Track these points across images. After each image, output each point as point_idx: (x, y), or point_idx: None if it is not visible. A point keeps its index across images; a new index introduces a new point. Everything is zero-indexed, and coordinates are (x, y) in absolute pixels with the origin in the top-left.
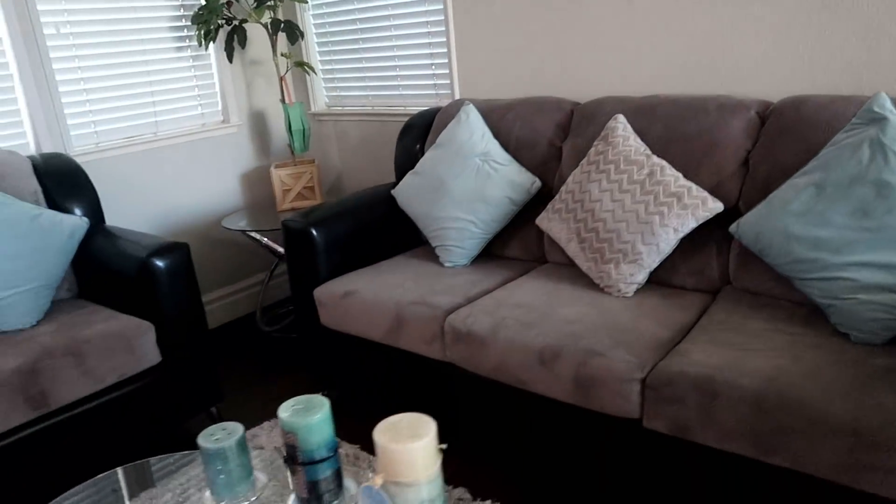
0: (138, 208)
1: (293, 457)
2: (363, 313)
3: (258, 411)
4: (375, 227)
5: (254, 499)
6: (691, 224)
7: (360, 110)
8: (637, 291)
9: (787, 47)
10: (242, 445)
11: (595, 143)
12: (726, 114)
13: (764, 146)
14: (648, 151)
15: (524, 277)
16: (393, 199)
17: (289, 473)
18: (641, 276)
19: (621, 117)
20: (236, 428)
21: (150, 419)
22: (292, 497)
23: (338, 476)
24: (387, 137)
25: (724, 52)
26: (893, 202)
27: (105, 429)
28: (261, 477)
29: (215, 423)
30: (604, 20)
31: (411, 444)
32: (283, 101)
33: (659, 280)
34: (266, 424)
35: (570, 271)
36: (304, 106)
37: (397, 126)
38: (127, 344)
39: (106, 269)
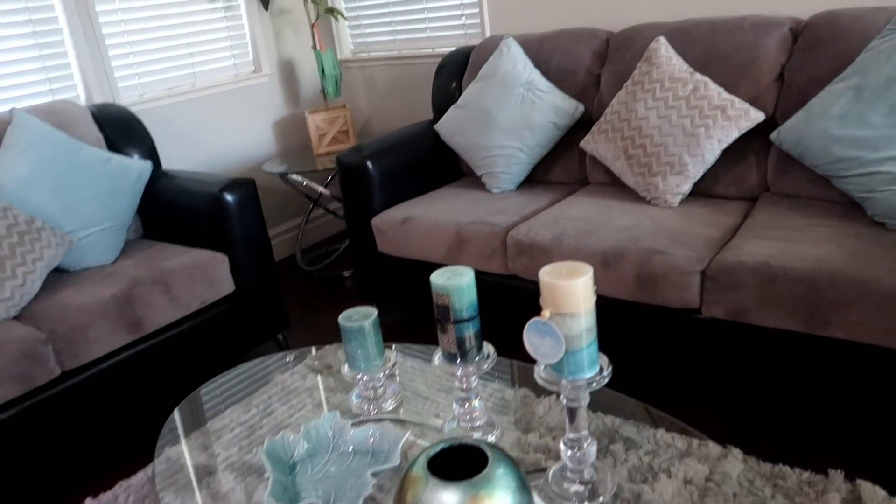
0: (180, 157)
1: (445, 316)
2: (423, 236)
3: (319, 337)
4: (418, 161)
5: (387, 371)
6: (734, 134)
7: (386, 55)
8: (681, 202)
9: None
10: (377, 326)
11: (638, 65)
12: (761, 31)
13: (798, 60)
14: (691, 69)
15: (571, 197)
16: (432, 135)
17: (438, 332)
18: (687, 187)
19: (663, 39)
20: (370, 311)
21: (227, 343)
22: (438, 353)
23: (478, 337)
24: (415, 80)
25: None
26: None
27: (189, 352)
28: (391, 354)
29: (282, 349)
30: None
31: (575, 279)
32: (314, 48)
33: (701, 192)
34: (329, 348)
35: (614, 189)
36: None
37: (425, 68)
38: (206, 273)
39: (173, 208)
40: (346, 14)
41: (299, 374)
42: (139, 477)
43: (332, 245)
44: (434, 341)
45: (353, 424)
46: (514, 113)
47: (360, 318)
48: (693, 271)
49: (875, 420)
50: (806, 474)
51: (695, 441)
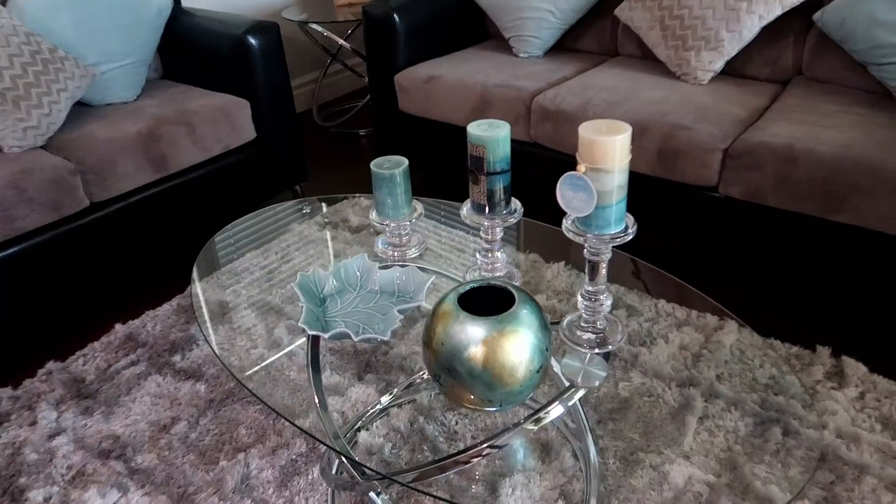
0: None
1: (478, 167)
2: (447, 96)
3: (336, 192)
4: (445, 19)
5: (414, 219)
6: (777, 11)
7: None
8: (711, 80)
9: None
10: (407, 175)
11: None
12: None
13: None
14: None
15: (600, 67)
16: None
17: (470, 184)
18: (719, 64)
19: None
20: (401, 160)
21: (247, 190)
22: (467, 204)
23: (508, 191)
24: None
25: None
26: None
27: (211, 195)
28: (419, 205)
29: (298, 199)
30: None
31: (613, 136)
32: None
33: (732, 71)
34: (346, 202)
35: (644, 63)
36: None
37: None
38: (229, 118)
39: (194, 49)
40: None
41: (317, 224)
42: (164, 308)
43: (348, 102)
44: (451, 201)
45: (379, 267)
46: None
47: (392, 166)
48: (716, 149)
49: (866, 304)
50: (795, 348)
51: (694, 312)
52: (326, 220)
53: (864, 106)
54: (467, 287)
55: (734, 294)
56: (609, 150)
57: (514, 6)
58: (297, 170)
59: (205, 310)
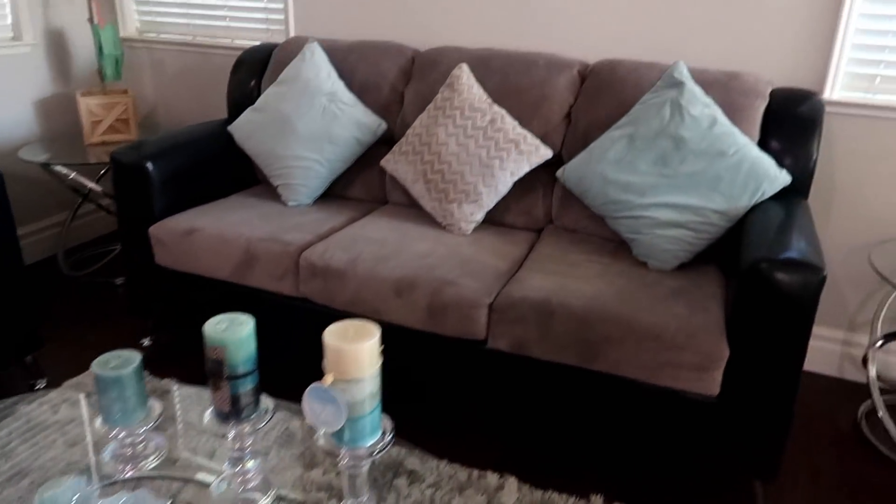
0: None
1: (217, 372)
2: (209, 251)
3: (76, 361)
4: (208, 163)
5: (151, 425)
6: (525, 168)
7: (179, 39)
8: (475, 230)
9: (605, 15)
10: (139, 373)
11: (441, 89)
12: (553, 70)
13: (583, 102)
14: (490, 100)
15: (370, 216)
16: (226, 135)
17: (210, 389)
18: (480, 215)
19: (465, 66)
20: (133, 356)
21: None
22: (210, 411)
23: (256, 391)
24: (211, 71)
25: (550, 13)
26: (686, 153)
27: None
28: (156, 405)
29: (32, 374)
30: None
31: (361, 343)
32: (91, 21)
33: (492, 220)
34: (58, 392)
35: (412, 211)
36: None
37: (222, 59)
38: None
39: None
40: None
41: (50, 403)
42: None
43: (104, 246)
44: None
45: (103, 487)
46: (314, 123)
47: (120, 365)
48: (481, 304)
49: (631, 447)
50: (572, 499)
51: (475, 472)
52: (62, 398)
53: (605, 254)
54: None
55: (513, 445)
56: (358, 359)
57: (280, 154)
58: (29, 338)
59: None
